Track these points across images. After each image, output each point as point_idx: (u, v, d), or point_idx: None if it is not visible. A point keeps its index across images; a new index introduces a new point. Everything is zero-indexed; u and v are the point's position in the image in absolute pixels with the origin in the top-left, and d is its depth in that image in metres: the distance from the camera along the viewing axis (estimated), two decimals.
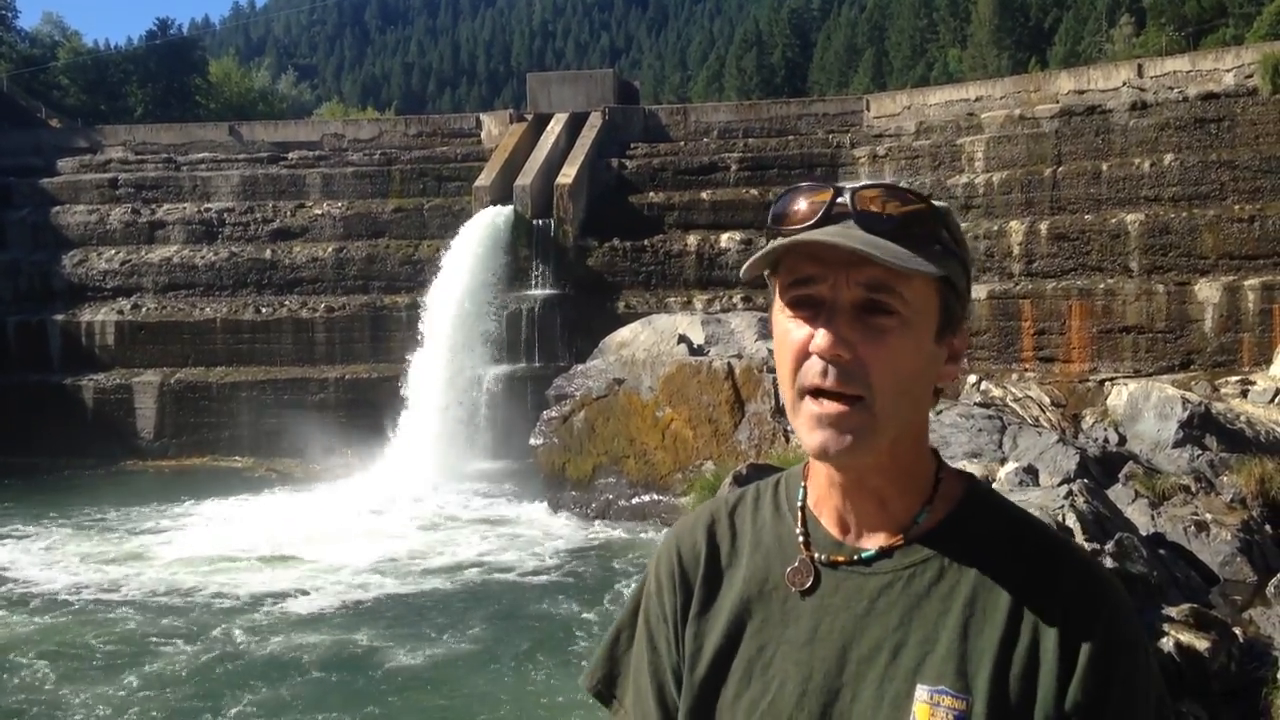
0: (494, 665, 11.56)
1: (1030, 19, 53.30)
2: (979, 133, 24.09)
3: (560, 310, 24.47)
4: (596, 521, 16.92)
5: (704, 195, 25.91)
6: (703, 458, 15.63)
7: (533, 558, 15.74)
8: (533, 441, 18.14)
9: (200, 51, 52.49)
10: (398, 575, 15.02)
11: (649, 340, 17.66)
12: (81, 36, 51.42)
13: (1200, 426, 12.37)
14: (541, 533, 16.99)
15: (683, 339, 17.25)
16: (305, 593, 14.22)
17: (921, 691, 1.33)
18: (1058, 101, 23.29)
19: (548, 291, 24.82)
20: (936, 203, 1.39)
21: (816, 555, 1.45)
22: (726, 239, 25.24)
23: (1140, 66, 23.18)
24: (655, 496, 16.46)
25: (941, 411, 13.86)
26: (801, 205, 1.38)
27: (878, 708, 1.35)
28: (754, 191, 25.76)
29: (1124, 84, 22.69)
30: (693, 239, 25.42)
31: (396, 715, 10.33)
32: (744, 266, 1.43)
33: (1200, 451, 11.83)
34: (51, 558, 16.58)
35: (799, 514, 1.50)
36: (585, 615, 13.00)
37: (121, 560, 16.29)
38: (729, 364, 16.03)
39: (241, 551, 16.33)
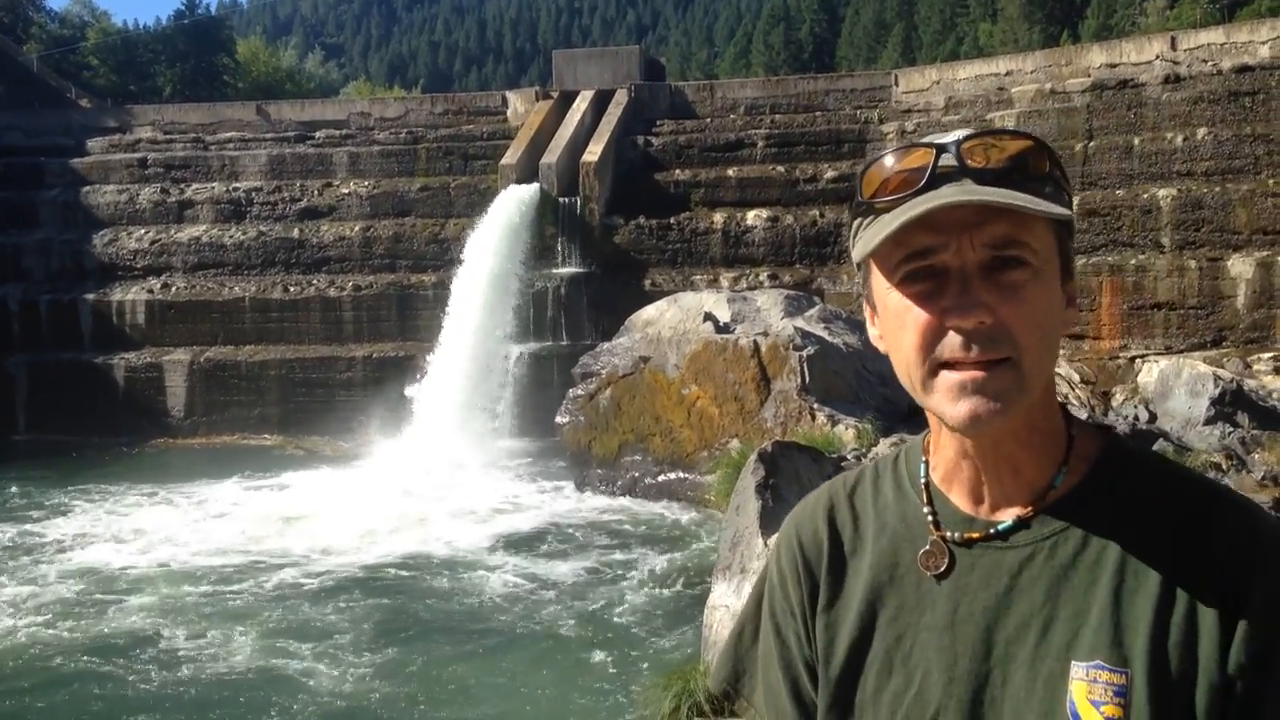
0: (520, 646, 11.60)
1: None
2: (1009, 107, 23.83)
3: (586, 288, 24.47)
4: (622, 499, 16.94)
5: (730, 172, 25.79)
6: (728, 435, 15.59)
7: (559, 536, 15.78)
8: (559, 419, 18.15)
9: (228, 31, 52.70)
10: (422, 554, 15.09)
11: (675, 318, 17.61)
12: (111, 17, 51.85)
13: (1232, 403, 12.24)
14: (567, 511, 17.03)
15: (708, 317, 17.18)
16: (329, 572, 14.31)
17: (1077, 668, 1.26)
18: (1089, 75, 23.01)
19: (573, 269, 24.81)
20: (1031, 135, 1.31)
21: (948, 534, 1.37)
22: (753, 216, 25.13)
23: (1174, 39, 22.84)
24: (681, 474, 16.45)
25: None
26: (896, 172, 1.29)
27: (1031, 689, 1.28)
28: (781, 168, 25.62)
29: (1157, 57, 22.38)
30: (719, 216, 25.32)
31: (419, 694, 10.40)
32: (857, 251, 1.33)
33: (1232, 429, 11.72)
34: (79, 532, 16.76)
35: (924, 491, 1.42)
36: (613, 593, 13.02)
37: (148, 539, 16.45)
38: (755, 342, 15.96)
39: (266, 532, 16.44)
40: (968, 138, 1.28)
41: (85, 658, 11.30)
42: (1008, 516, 1.35)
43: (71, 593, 13.62)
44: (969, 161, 1.26)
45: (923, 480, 1.42)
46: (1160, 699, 1.23)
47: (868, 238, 1.31)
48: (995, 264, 1.26)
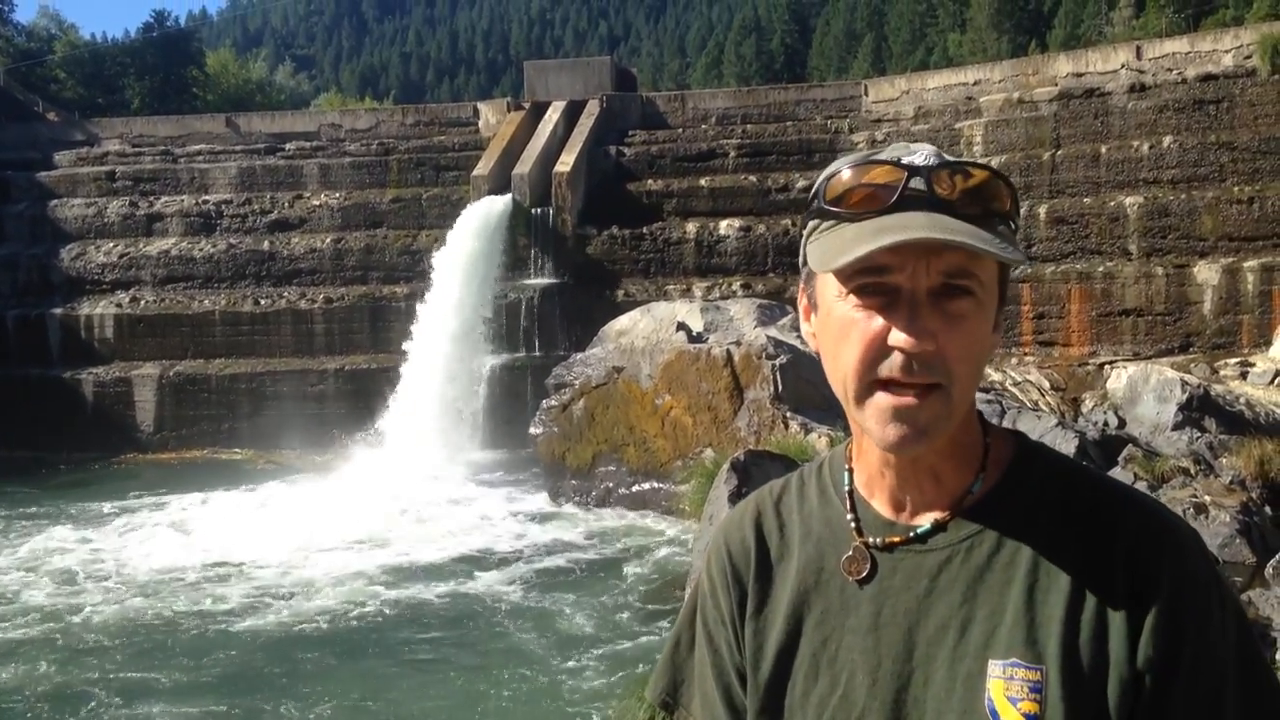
0: (492, 664, 11.55)
1: (1030, 2, 53.05)
2: (977, 116, 24.01)
3: (559, 299, 24.44)
4: (597, 510, 16.91)
5: (703, 182, 25.85)
6: (702, 445, 15.60)
7: (533, 548, 15.72)
8: (532, 430, 18.11)
9: (197, 43, 52.41)
10: (397, 569, 14.99)
11: (648, 328, 17.63)
12: (78, 29, 51.42)
13: (1199, 409, 12.35)
14: (541, 522, 16.97)
15: (681, 326, 17.21)
16: (299, 592, 14.20)
17: (994, 667, 1.30)
18: (1056, 84, 23.21)
19: (546, 280, 24.78)
20: (996, 171, 1.35)
21: (870, 540, 1.41)
22: (725, 226, 25.19)
23: (1139, 48, 23.07)
24: (655, 484, 16.44)
25: None
26: (862, 184, 1.32)
27: (951, 688, 1.32)
28: (752, 178, 25.70)
29: (1122, 66, 22.61)
30: (691, 226, 25.37)
31: (395, 713, 10.33)
32: (816, 259, 1.35)
33: (1199, 434, 11.82)
34: (47, 553, 16.57)
35: (848, 499, 1.45)
36: (588, 605, 12.98)
37: (115, 559, 16.28)
38: (728, 351, 16.00)
39: (238, 549, 16.27)
40: (938, 166, 1.31)
41: None
42: (927, 521, 1.40)
43: None
44: (937, 189, 1.30)
45: (846, 488, 1.46)
46: (1074, 694, 1.27)
47: (831, 247, 1.33)
48: (944, 291, 1.30)
